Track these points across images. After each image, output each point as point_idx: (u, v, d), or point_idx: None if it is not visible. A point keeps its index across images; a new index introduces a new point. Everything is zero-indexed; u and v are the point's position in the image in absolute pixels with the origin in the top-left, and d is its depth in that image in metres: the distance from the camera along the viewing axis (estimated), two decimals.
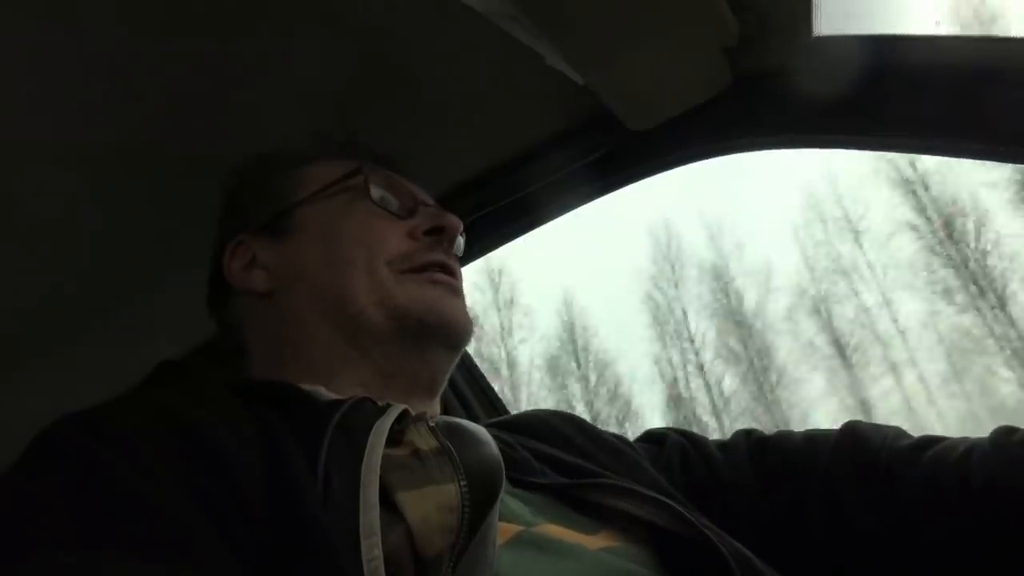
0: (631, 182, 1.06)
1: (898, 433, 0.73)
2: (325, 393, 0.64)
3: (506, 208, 1.12)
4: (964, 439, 0.70)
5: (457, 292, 0.75)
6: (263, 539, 0.45)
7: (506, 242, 1.19)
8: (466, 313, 0.75)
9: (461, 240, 0.81)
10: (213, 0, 0.75)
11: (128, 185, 0.92)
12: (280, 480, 0.49)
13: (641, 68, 0.88)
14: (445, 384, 0.76)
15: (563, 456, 0.72)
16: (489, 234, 1.16)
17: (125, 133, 0.86)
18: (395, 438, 0.55)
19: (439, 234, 0.75)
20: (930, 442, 0.70)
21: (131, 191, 0.93)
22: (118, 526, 0.43)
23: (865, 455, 0.71)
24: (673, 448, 0.80)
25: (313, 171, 0.79)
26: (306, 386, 0.65)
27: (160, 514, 0.44)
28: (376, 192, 0.76)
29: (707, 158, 1.00)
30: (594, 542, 0.59)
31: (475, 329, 0.75)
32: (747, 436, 0.80)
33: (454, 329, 0.72)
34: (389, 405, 0.59)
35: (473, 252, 1.19)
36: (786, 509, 0.73)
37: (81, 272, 1.02)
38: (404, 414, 0.58)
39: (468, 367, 1.32)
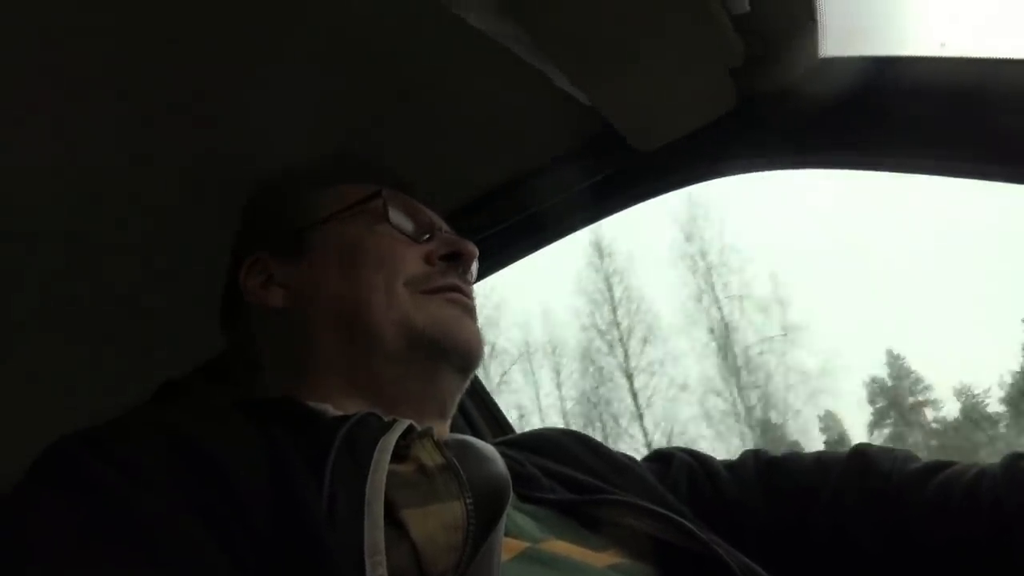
0: (637, 202, 1.06)
1: (908, 456, 0.73)
2: (332, 411, 0.64)
3: (512, 228, 1.13)
4: (974, 464, 0.69)
5: (471, 313, 0.76)
6: (267, 556, 0.45)
7: (513, 261, 1.19)
8: (479, 336, 0.75)
9: (475, 266, 0.81)
10: (219, 12, 0.75)
11: (129, 199, 0.93)
12: (285, 497, 0.48)
13: (647, 89, 0.88)
14: (455, 408, 0.76)
15: (572, 473, 0.72)
16: (495, 253, 1.16)
17: (127, 147, 0.86)
18: (401, 453, 0.55)
19: (455, 260, 0.76)
20: (940, 466, 0.70)
21: (132, 204, 0.93)
22: (121, 543, 0.43)
23: (874, 478, 0.71)
24: (680, 467, 0.80)
25: (333, 192, 0.79)
26: (313, 404, 0.65)
27: (163, 531, 0.44)
28: (395, 215, 0.76)
29: (713, 178, 1.00)
30: (601, 559, 0.59)
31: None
32: (755, 456, 0.80)
33: (466, 353, 0.72)
34: (395, 420, 0.59)
35: (479, 271, 1.19)
36: (793, 529, 0.72)
37: (81, 285, 1.02)
38: (410, 429, 0.58)
39: (474, 386, 1.31)
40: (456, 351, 0.71)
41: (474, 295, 0.78)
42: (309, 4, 0.77)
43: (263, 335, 0.76)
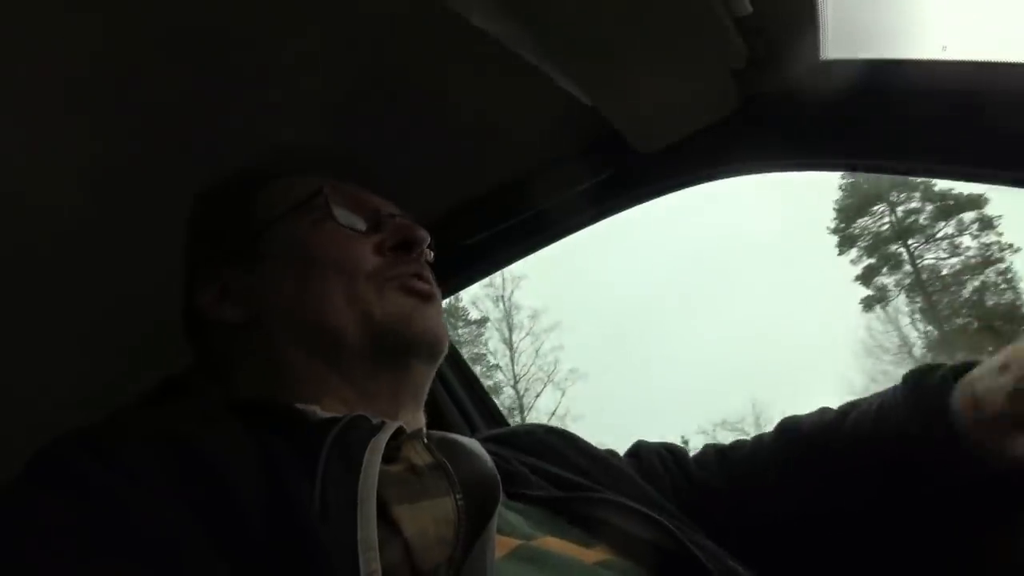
0: (639, 202, 1.06)
1: (823, 411, 0.77)
2: (320, 412, 0.64)
3: (514, 227, 1.13)
4: (880, 394, 0.73)
5: (433, 299, 0.74)
6: (261, 556, 0.46)
7: (515, 260, 1.19)
8: (441, 322, 0.74)
9: (431, 253, 0.80)
10: (217, 12, 0.75)
11: (127, 198, 0.93)
12: (278, 498, 0.49)
13: (649, 90, 0.88)
14: (427, 391, 0.75)
15: (559, 471, 0.73)
16: (497, 253, 1.17)
17: (125, 147, 0.86)
18: (390, 455, 0.56)
19: (407, 248, 0.75)
20: (851, 407, 0.74)
21: (130, 204, 0.93)
22: (114, 544, 0.44)
23: (798, 445, 0.76)
24: (651, 455, 0.82)
25: (274, 192, 0.77)
26: (301, 406, 0.65)
27: (157, 532, 0.45)
28: (339, 212, 0.74)
29: (714, 180, 1.00)
30: (591, 556, 0.59)
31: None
32: (714, 447, 0.84)
33: (429, 342, 0.71)
34: (383, 423, 0.59)
35: (479, 271, 1.19)
36: (753, 515, 0.75)
37: (81, 284, 1.03)
38: (399, 431, 0.58)
39: (468, 378, 1.32)
40: (418, 341, 0.70)
41: (432, 279, 0.76)
42: (309, 5, 0.77)
43: (228, 353, 0.73)
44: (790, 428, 0.78)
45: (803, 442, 0.75)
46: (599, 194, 1.06)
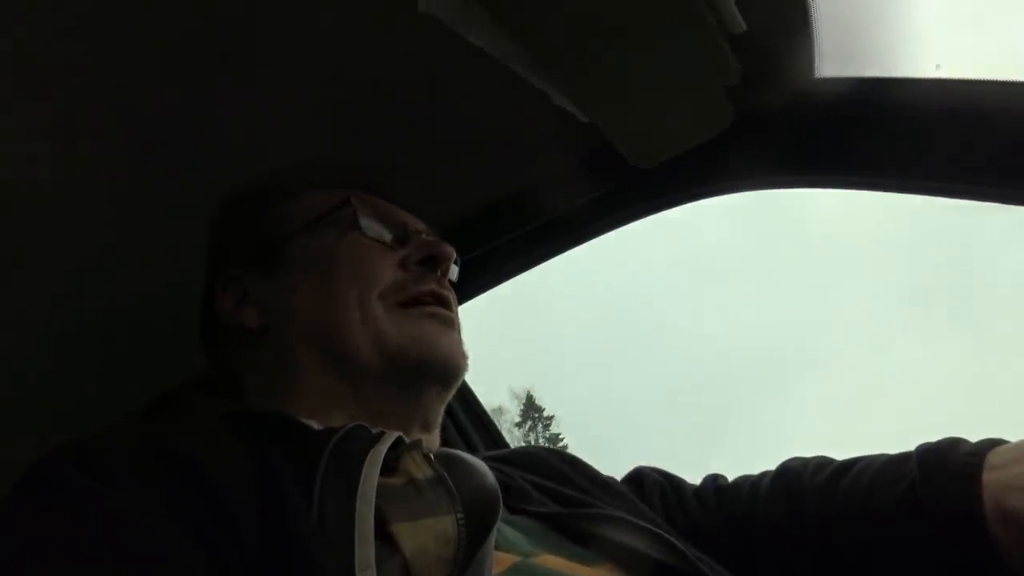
0: (637, 218, 1.07)
1: (819, 464, 0.73)
2: (317, 426, 0.64)
3: (511, 242, 1.13)
4: (877, 459, 0.69)
5: (452, 324, 0.74)
6: (256, 570, 0.45)
7: (510, 277, 1.19)
8: (461, 348, 0.73)
9: (455, 268, 0.80)
10: (220, 27, 0.76)
11: (125, 208, 0.93)
12: (274, 511, 0.48)
13: (645, 106, 0.89)
14: (440, 420, 0.75)
15: (562, 489, 0.72)
16: (493, 269, 1.17)
17: (123, 158, 0.86)
18: (390, 465, 0.55)
19: (432, 264, 0.74)
20: (845, 468, 0.70)
21: (128, 213, 0.94)
22: (109, 560, 0.43)
23: (794, 499, 0.71)
24: (653, 487, 0.80)
25: (302, 203, 0.78)
26: (301, 418, 0.64)
27: (151, 546, 0.44)
28: (365, 222, 0.74)
29: (710, 196, 1.00)
30: (592, 574, 0.58)
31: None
32: (715, 480, 0.81)
33: (449, 368, 0.71)
34: (383, 433, 0.58)
35: (477, 287, 1.19)
36: (742, 556, 0.72)
37: (79, 292, 1.02)
38: (399, 441, 0.58)
39: (468, 399, 1.31)
40: (436, 367, 0.70)
41: (454, 302, 0.76)
42: (312, 20, 0.78)
43: (243, 357, 0.74)
44: (787, 482, 0.74)
45: (799, 502, 0.71)
46: (598, 209, 1.07)
